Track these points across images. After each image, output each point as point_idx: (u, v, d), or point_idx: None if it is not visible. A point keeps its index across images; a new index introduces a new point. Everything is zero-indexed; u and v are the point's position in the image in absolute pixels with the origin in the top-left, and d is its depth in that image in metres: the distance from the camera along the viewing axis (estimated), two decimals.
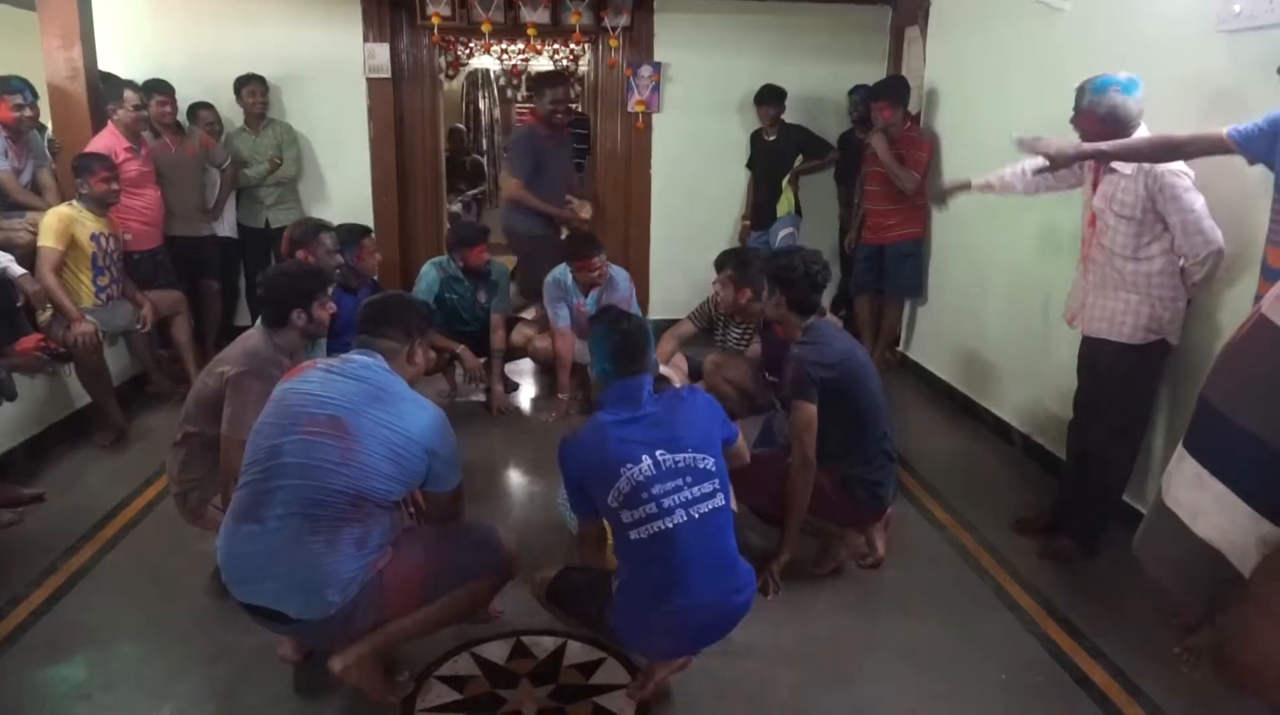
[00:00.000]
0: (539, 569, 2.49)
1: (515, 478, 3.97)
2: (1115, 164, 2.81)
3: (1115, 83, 2.81)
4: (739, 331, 4.03)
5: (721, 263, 3.71)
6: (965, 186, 3.75)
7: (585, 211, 5.04)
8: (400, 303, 2.44)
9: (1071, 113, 2.93)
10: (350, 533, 2.08)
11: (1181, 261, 2.81)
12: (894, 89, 4.99)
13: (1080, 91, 2.88)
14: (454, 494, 2.32)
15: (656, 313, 5.62)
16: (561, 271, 4.39)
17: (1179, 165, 2.72)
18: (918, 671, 2.54)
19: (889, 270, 5.16)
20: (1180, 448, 1.31)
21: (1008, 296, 4.25)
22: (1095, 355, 3.04)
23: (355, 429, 2.09)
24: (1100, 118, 2.81)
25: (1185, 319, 2.91)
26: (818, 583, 2.96)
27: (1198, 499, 1.24)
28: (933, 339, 5.22)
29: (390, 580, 2.16)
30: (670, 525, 2.10)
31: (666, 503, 2.10)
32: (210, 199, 5.20)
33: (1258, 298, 2.39)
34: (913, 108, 5.35)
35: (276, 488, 2.07)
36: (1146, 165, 2.75)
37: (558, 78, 5.18)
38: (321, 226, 3.70)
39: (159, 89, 4.82)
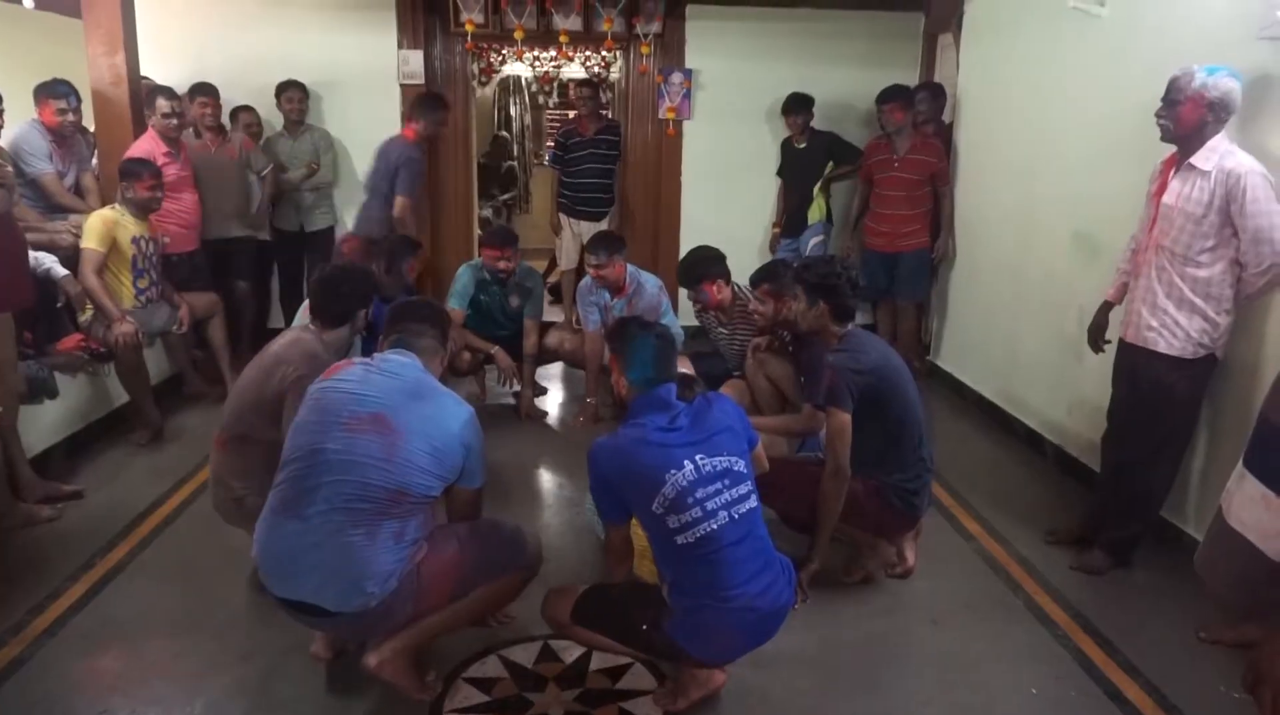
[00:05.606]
0: (552, 593, 2.39)
1: (543, 481, 3.98)
2: (1192, 160, 2.72)
3: (1227, 69, 2.67)
4: (725, 331, 4.16)
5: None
6: None
7: None
8: (433, 307, 2.58)
9: (1164, 104, 2.75)
10: (389, 526, 2.11)
11: (1240, 270, 2.72)
12: (902, 91, 5.07)
13: (1185, 77, 2.70)
14: (477, 492, 2.37)
15: (685, 319, 5.60)
16: None
17: (1261, 167, 2.63)
18: (947, 682, 2.51)
19: (904, 276, 5.17)
20: (1240, 466, 1.28)
21: (1040, 305, 4.20)
22: (1137, 365, 2.95)
23: (399, 425, 2.14)
24: (1211, 103, 2.65)
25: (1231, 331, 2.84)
26: (846, 591, 2.95)
27: (1263, 518, 1.21)
28: (963, 348, 5.18)
29: (427, 574, 2.19)
30: (715, 527, 2.13)
31: (710, 506, 2.13)
32: (253, 202, 5.23)
33: None
34: (945, 116, 5.32)
35: (318, 484, 2.10)
36: (1228, 164, 2.65)
37: None
38: None
39: (203, 91, 4.93)
